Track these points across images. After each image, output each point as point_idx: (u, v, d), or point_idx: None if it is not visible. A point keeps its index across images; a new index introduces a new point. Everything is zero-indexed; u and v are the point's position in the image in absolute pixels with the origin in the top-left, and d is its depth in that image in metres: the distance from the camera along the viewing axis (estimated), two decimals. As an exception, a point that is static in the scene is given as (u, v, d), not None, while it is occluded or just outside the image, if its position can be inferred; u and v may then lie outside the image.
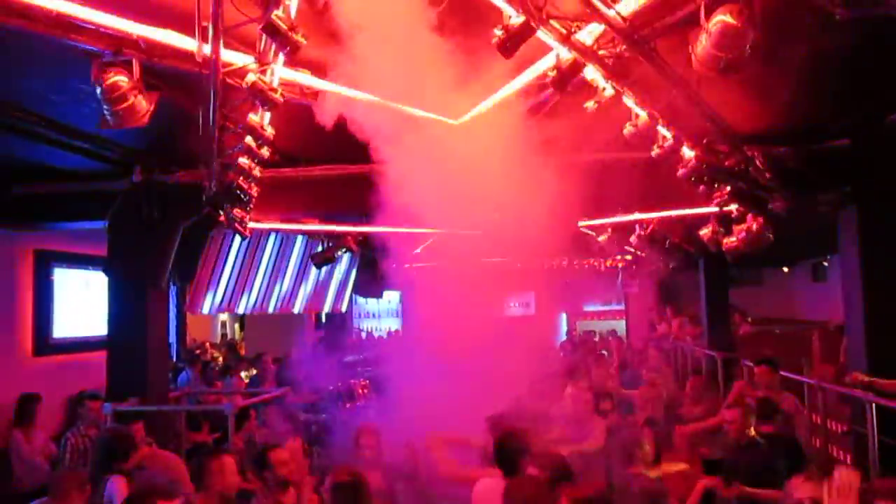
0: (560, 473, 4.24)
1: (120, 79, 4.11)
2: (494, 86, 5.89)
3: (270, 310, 12.40)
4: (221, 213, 6.72)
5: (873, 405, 6.54)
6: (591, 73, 4.42)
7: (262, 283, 11.86)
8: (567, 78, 4.09)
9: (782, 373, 8.80)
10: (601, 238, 11.13)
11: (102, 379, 8.21)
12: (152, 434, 6.70)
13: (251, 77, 4.29)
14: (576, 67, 4.07)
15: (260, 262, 11.67)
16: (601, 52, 4.23)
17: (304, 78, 5.01)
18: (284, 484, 4.94)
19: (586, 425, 7.36)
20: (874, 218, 7.50)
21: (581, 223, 10.45)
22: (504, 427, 5.12)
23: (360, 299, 20.71)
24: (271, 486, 4.92)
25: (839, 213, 7.96)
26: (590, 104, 4.53)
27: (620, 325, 21.20)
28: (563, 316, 22.42)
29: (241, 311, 11.94)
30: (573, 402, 7.78)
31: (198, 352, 14.81)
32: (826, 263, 18.96)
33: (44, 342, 9.52)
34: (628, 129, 5.04)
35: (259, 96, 4.26)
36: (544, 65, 4.62)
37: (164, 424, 7.85)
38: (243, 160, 5.82)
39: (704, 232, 8.71)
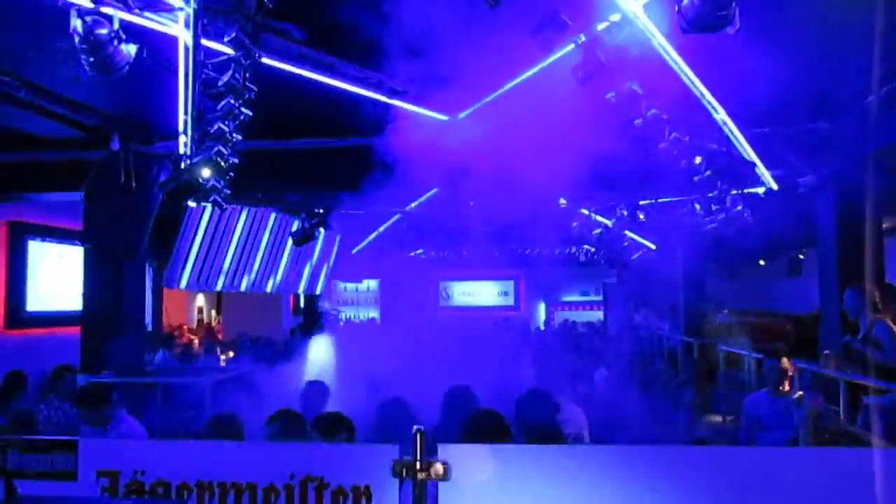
0: None
1: (98, 28, 4.02)
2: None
3: (249, 289, 12.27)
4: (200, 180, 6.62)
5: (843, 383, 6.63)
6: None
7: (245, 260, 11.72)
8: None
9: (758, 356, 8.93)
10: (576, 224, 11.16)
11: (76, 355, 8.09)
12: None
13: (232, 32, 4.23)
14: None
15: (245, 240, 11.53)
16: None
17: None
18: None
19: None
20: (851, 200, 7.58)
21: (562, 200, 10.46)
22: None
23: (340, 286, 20.64)
24: None
25: (817, 197, 8.05)
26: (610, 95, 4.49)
27: (599, 316, 21.30)
28: (542, 306, 22.48)
29: (218, 287, 11.79)
30: None
31: (175, 333, 14.64)
32: (802, 257, 19.13)
33: (16, 315, 9.37)
34: (610, 94, 5.03)
35: (241, 50, 4.19)
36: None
37: (139, 400, 7.75)
38: (223, 125, 5.74)
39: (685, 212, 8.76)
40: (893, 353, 5.88)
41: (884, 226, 10.45)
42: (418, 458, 1.83)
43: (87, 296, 8.09)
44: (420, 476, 1.82)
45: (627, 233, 12.65)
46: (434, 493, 1.85)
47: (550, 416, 4.55)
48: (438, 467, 1.83)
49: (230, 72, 5.11)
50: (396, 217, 12.54)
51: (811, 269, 15.77)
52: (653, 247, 14.70)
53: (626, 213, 10.26)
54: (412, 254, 18.12)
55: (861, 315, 6.33)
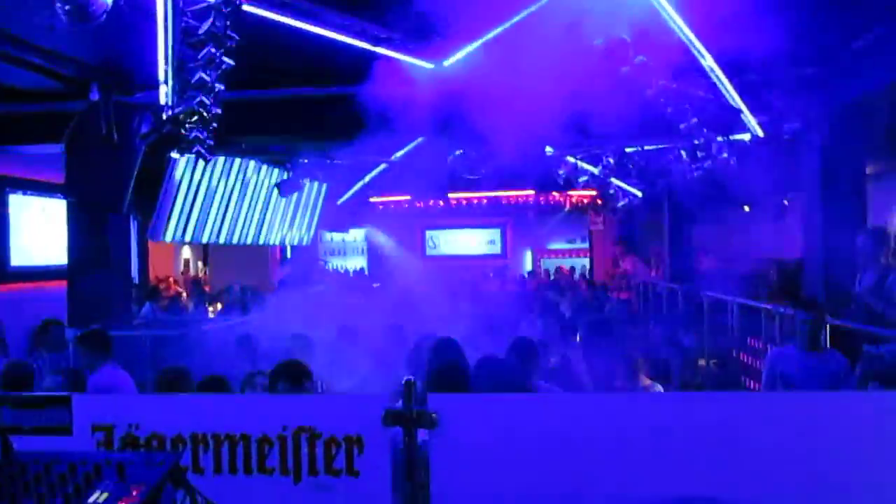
0: None
1: (73, -26, 3.91)
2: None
3: (235, 240, 12.25)
4: (183, 131, 6.53)
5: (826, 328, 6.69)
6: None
7: (230, 212, 11.67)
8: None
9: (741, 300, 9.06)
10: (562, 171, 11.14)
11: (63, 309, 8.07)
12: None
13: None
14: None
15: (230, 191, 11.45)
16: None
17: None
18: None
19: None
20: (835, 146, 7.60)
21: (548, 149, 10.42)
22: None
23: (326, 236, 20.61)
24: None
25: (802, 143, 8.06)
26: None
27: (585, 263, 21.43)
28: (529, 253, 22.55)
29: (204, 239, 11.74)
30: None
31: (162, 286, 14.61)
32: (786, 203, 19.23)
33: (1, 270, 9.31)
34: (598, 41, 4.98)
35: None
36: None
37: (128, 353, 7.77)
38: (204, 75, 5.65)
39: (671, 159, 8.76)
40: None
41: (867, 171, 10.52)
42: (409, 407, 1.86)
43: (72, 250, 8.04)
44: (411, 425, 1.86)
45: (613, 180, 12.65)
46: (425, 442, 1.90)
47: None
48: (429, 416, 1.86)
49: (211, 19, 5.00)
50: (383, 167, 12.47)
51: (795, 215, 15.87)
52: (639, 194, 14.72)
53: (612, 160, 10.25)
54: (398, 199, 18.07)
55: (874, 262, 6.03)
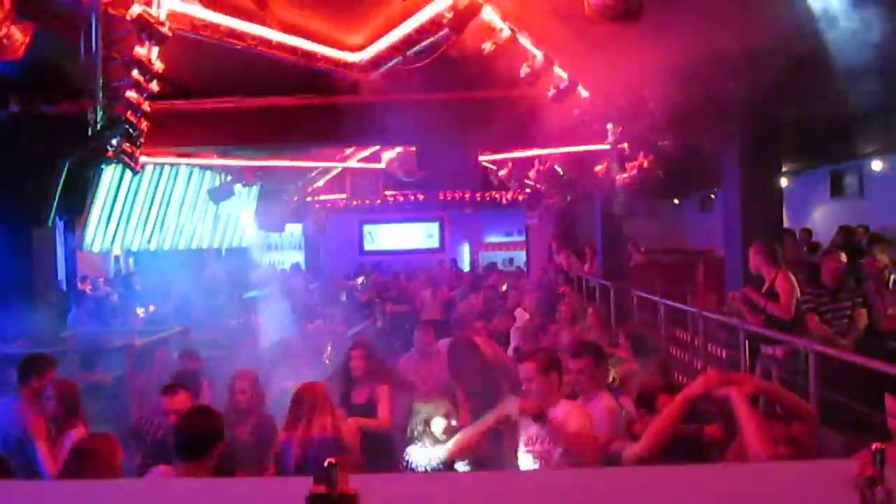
0: None
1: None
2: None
3: (167, 247, 12.02)
4: (110, 147, 6.41)
5: (742, 331, 7.02)
6: (488, 13, 4.43)
7: (159, 218, 11.44)
8: (464, 20, 4.09)
9: (669, 302, 9.35)
10: (501, 173, 11.30)
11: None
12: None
13: (136, 9, 4.07)
14: (473, 8, 4.06)
15: (158, 197, 11.22)
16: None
17: (195, 9, 4.77)
18: None
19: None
20: (754, 154, 7.94)
21: (482, 157, 10.56)
22: None
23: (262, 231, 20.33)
24: None
25: (724, 147, 8.38)
26: (487, 45, 4.51)
27: (521, 256, 21.72)
28: (467, 247, 22.74)
29: (134, 247, 11.49)
30: None
31: (88, 288, 14.16)
32: (713, 196, 19.80)
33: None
34: (524, 70, 5.09)
35: (146, 30, 4.05)
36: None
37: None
38: (131, 94, 5.56)
39: (599, 168, 8.97)
40: (785, 307, 6.23)
41: (784, 168, 10.99)
42: (332, 489, 1.92)
43: (-5, 269, 7.79)
44: (335, 508, 1.92)
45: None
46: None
47: None
48: (351, 499, 1.93)
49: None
50: (316, 172, 12.41)
51: (722, 208, 16.35)
52: (572, 190, 14.96)
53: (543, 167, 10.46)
54: (335, 197, 17.98)
55: (763, 270, 6.61)
